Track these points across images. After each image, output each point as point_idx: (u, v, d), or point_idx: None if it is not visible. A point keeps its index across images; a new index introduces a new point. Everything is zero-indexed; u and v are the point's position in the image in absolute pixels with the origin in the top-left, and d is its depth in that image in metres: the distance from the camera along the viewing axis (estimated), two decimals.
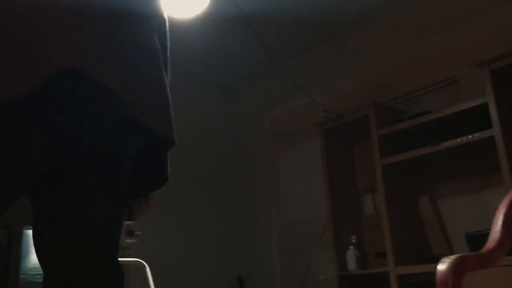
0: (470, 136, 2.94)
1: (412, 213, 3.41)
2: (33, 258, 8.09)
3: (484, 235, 1.37)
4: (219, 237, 4.76)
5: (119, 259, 1.08)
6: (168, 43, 1.39)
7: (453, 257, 1.14)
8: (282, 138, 4.76)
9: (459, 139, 2.98)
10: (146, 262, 2.06)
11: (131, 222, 1.24)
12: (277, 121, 4.82)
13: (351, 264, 3.41)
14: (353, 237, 3.54)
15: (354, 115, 3.59)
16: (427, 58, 3.61)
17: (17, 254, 7.91)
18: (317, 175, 4.30)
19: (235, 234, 4.84)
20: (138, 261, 2.02)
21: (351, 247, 3.48)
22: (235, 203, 4.95)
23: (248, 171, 5.01)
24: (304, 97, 4.26)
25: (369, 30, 4.08)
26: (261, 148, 4.89)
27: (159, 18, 1.28)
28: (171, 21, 3.87)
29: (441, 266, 1.12)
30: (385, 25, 3.96)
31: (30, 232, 8.81)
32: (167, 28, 1.37)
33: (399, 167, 3.41)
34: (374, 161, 3.39)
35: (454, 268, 1.11)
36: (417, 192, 3.47)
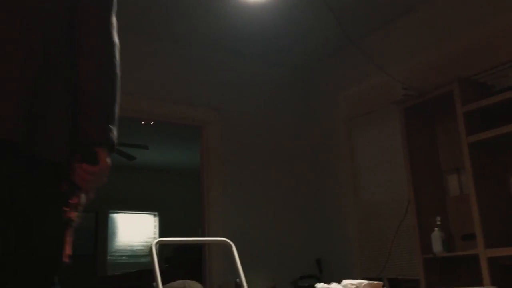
0: None
1: (502, 193, 3.21)
2: (118, 240, 8.55)
3: None
4: (297, 219, 4.76)
5: None
6: None
7: None
8: (358, 119, 4.64)
9: None
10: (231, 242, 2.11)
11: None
12: (353, 101, 4.71)
13: (437, 246, 3.28)
14: (438, 218, 3.39)
15: (437, 92, 3.42)
16: None
17: (104, 237, 8.40)
18: (397, 155, 4.16)
19: (313, 216, 4.82)
20: (225, 240, 2.06)
21: (436, 229, 3.34)
22: (313, 186, 4.92)
23: (325, 153, 4.96)
24: (381, 74, 4.12)
25: (451, 0, 3.85)
26: (337, 130, 4.81)
27: None
28: (245, 3, 3.88)
29: None
30: None
31: (115, 216, 9.32)
32: None
33: (487, 145, 3.21)
34: (460, 139, 3.22)
35: None
36: (507, 171, 3.26)
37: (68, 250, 1.33)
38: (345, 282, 1.33)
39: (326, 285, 1.38)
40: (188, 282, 3.24)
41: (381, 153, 4.38)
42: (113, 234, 8.57)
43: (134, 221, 8.73)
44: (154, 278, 1.89)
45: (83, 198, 1.35)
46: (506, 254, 2.86)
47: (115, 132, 1.37)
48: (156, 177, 8.80)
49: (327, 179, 4.88)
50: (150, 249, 1.95)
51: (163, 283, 2.02)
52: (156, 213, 8.81)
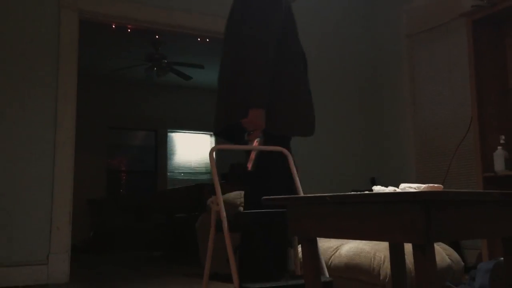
0: None
1: None
2: (177, 158, 8.90)
3: None
4: (355, 139, 4.74)
5: None
6: None
7: None
8: (421, 34, 4.41)
9: None
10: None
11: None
12: (416, 15, 4.46)
13: (499, 165, 3.19)
14: (502, 137, 3.27)
15: (510, 1, 3.16)
16: None
17: (163, 154, 8.75)
18: (461, 73, 3.97)
19: (370, 136, 4.78)
20: (282, 149, 2.09)
21: (499, 147, 3.23)
22: (370, 104, 4.83)
23: (384, 71, 4.80)
24: None
25: None
26: (398, 46, 4.61)
27: None
28: None
29: None
30: None
31: (174, 135, 9.63)
32: None
33: None
34: None
35: None
36: None
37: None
38: (403, 185, 1.33)
39: (383, 187, 1.38)
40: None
41: (443, 71, 4.19)
42: (172, 152, 8.91)
43: (192, 140, 8.99)
44: (214, 182, 1.96)
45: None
46: None
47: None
48: (213, 98, 8.89)
49: (386, 98, 4.76)
50: (210, 155, 2.00)
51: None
52: (212, 133, 9.03)
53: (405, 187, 1.36)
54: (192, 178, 8.63)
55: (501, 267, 1.48)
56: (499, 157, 3.21)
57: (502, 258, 1.48)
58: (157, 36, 6.26)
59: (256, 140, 2.05)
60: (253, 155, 2.02)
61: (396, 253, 1.72)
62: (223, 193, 3.45)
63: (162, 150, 8.79)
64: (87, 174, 7.21)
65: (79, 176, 4.33)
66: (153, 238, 6.64)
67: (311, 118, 2.18)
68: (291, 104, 2.12)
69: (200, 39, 5.79)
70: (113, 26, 5.00)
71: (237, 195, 3.33)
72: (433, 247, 1.19)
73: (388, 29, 4.73)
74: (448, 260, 2.74)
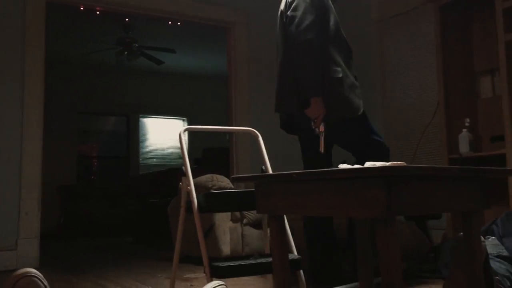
0: None
1: None
2: (149, 144, 8.84)
3: None
4: None
5: None
6: None
7: None
8: (389, 20, 4.47)
9: None
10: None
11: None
12: (385, 1, 4.51)
13: (464, 147, 3.28)
14: (467, 120, 3.36)
15: None
16: None
17: (135, 140, 8.68)
18: (428, 58, 4.05)
19: None
20: (251, 129, 2.11)
21: (464, 130, 3.32)
22: None
23: (353, 55, 4.85)
24: None
25: None
26: (367, 32, 4.66)
27: None
28: None
29: None
30: None
31: (146, 120, 9.53)
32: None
33: None
34: (497, 38, 3.09)
35: None
36: None
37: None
38: (368, 163, 1.36)
39: (349, 165, 1.42)
40: (216, 176, 3.36)
41: (412, 56, 4.26)
42: (144, 138, 8.84)
43: (164, 126, 8.93)
44: (184, 163, 1.97)
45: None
46: None
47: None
48: (185, 83, 8.85)
49: None
50: (179, 137, 2.01)
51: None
52: (185, 118, 8.97)
53: (370, 164, 1.40)
54: (165, 163, 8.59)
55: (462, 242, 1.54)
56: (463, 139, 3.30)
57: (462, 233, 1.54)
58: (127, 19, 6.16)
59: (321, 125, 2.33)
60: (322, 140, 2.30)
61: (363, 229, 1.77)
62: (196, 178, 3.45)
63: (134, 135, 8.71)
64: (57, 160, 7.09)
65: (48, 162, 4.26)
66: (125, 224, 6.61)
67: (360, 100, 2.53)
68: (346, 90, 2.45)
69: (172, 22, 5.73)
70: (81, 8, 4.90)
71: (209, 178, 3.35)
72: (395, 221, 1.23)
73: (358, 15, 4.76)
74: (416, 241, 2.83)
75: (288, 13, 2.44)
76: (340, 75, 2.44)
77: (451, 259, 1.74)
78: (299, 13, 2.37)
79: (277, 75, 2.56)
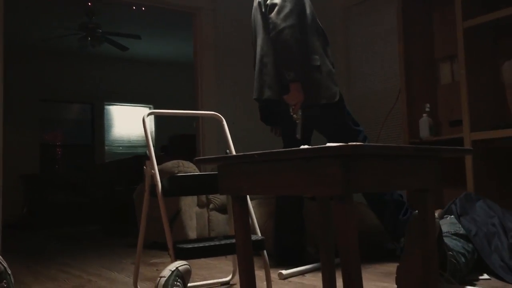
0: None
1: (493, 81, 3.24)
2: (115, 132, 8.71)
3: None
4: None
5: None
6: None
7: None
8: (355, 7, 4.53)
9: None
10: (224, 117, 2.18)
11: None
12: None
13: (424, 131, 3.38)
14: (427, 105, 3.46)
15: None
16: None
17: (101, 128, 8.54)
18: (391, 45, 4.13)
19: None
20: (215, 114, 2.12)
21: (424, 115, 3.42)
22: None
23: None
24: None
25: None
26: (332, 19, 4.71)
27: None
28: None
29: None
30: None
31: (111, 108, 9.39)
32: None
33: (482, 31, 3.18)
34: (456, 25, 3.17)
35: None
36: (500, 58, 3.26)
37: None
38: (329, 144, 1.39)
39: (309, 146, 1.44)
40: (182, 161, 3.36)
41: (375, 43, 4.34)
42: (110, 125, 8.70)
43: (130, 113, 8.81)
44: (147, 147, 1.96)
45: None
46: (490, 137, 2.96)
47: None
48: (151, 70, 8.74)
49: None
50: (143, 121, 2.00)
51: (158, 167, 2.12)
52: (151, 105, 8.88)
53: (329, 145, 1.43)
54: (131, 151, 8.49)
55: (416, 219, 1.60)
56: (424, 124, 3.40)
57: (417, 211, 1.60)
58: (89, 3, 6.03)
59: (299, 112, 2.43)
60: (299, 126, 2.41)
61: (322, 208, 1.81)
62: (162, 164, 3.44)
63: (99, 123, 8.57)
64: (18, 148, 6.93)
65: (9, 151, 4.16)
66: (91, 212, 6.53)
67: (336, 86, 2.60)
68: (322, 77, 2.54)
69: (136, 7, 5.64)
70: None
71: (175, 164, 3.35)
72: (351, 198, 1.27)
73: (324, 2, 4.80)
74: (375, 221, 2.91)
75: (268, 2, 2.51)
76: (318, 63, 2.53)
77: (406, 236, 1.81)
78: (278, 1, 2.44)
79: (258, 64, 2.60)
